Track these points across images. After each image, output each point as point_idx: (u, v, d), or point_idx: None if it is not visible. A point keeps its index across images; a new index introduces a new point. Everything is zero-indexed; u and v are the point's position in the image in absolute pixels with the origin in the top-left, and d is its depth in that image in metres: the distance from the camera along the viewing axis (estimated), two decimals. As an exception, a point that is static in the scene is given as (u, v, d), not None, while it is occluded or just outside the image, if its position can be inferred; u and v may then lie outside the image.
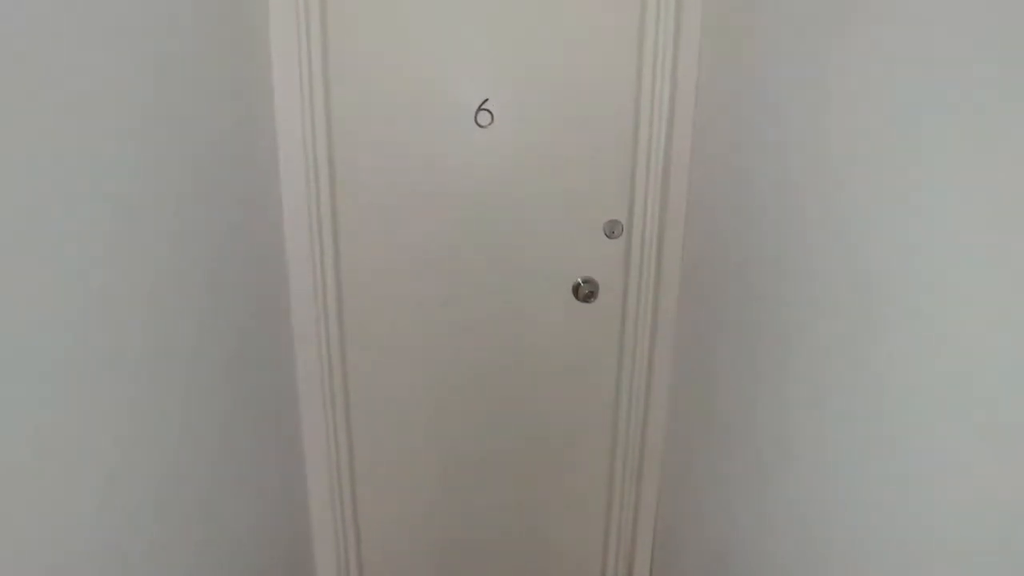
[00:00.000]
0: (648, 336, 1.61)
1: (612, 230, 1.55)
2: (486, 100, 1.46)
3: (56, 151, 0.63)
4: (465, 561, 1.78)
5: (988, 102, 0.61)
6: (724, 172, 1.30)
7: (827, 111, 0.92)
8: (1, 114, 0.55)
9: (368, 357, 1.58)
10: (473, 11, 1.42)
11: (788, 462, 1.02)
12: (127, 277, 0.77)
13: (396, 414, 1.63)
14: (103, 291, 0.72)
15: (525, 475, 1.72)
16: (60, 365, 0.64)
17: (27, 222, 0.59)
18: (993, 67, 0.60)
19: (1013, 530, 0.59)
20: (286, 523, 1.46)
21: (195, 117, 0.99)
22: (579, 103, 1.48)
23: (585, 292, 1.56)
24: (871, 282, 0.81)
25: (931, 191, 0.69)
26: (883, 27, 0.79)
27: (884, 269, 0.78)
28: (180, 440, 0.92)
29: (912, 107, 0.72)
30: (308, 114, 1.39)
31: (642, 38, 1.44)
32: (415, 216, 1.51)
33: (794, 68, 1.01)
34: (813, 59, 0.96)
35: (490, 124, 1.47)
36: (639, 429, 1.68)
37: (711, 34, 1.38)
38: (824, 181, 0.92)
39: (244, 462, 1.19)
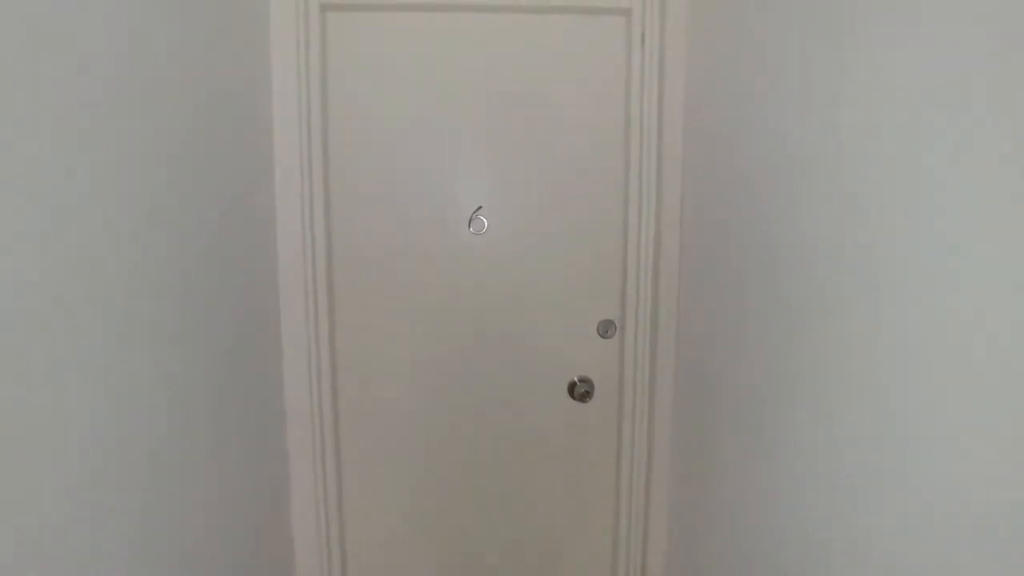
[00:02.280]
0: (646, 438, 1.59)
1: (606, 330, 1.57)
2: (480, 208, 1.52)
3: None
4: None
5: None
6: (712, 271, 1.33)
7: (802, 186, 0.95)
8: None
9: (365, 462, 1.57)
10: (467, 123, 1.50)
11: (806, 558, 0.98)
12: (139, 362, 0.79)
13: (393, 520, 1.60)
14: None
15: (524, 580, 1.66)
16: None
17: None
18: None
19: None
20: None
21: (201, 244, 1.04)
22: (570, 209, 1.54)
23: (581, 392, 1.56)
24: (877, 384, 0.81)
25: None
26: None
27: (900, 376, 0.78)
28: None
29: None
30: (309, 234, 1.46)
31: (628, 146, 1.51)
32: (412, 320, 1.54)
33: (773, 166, 1.06)
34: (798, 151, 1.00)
35: (484, 230, 1.53)
36: (640, 533, 1.63)
37: (691, 138, 1.45)
38: (813, 269, 0.94)
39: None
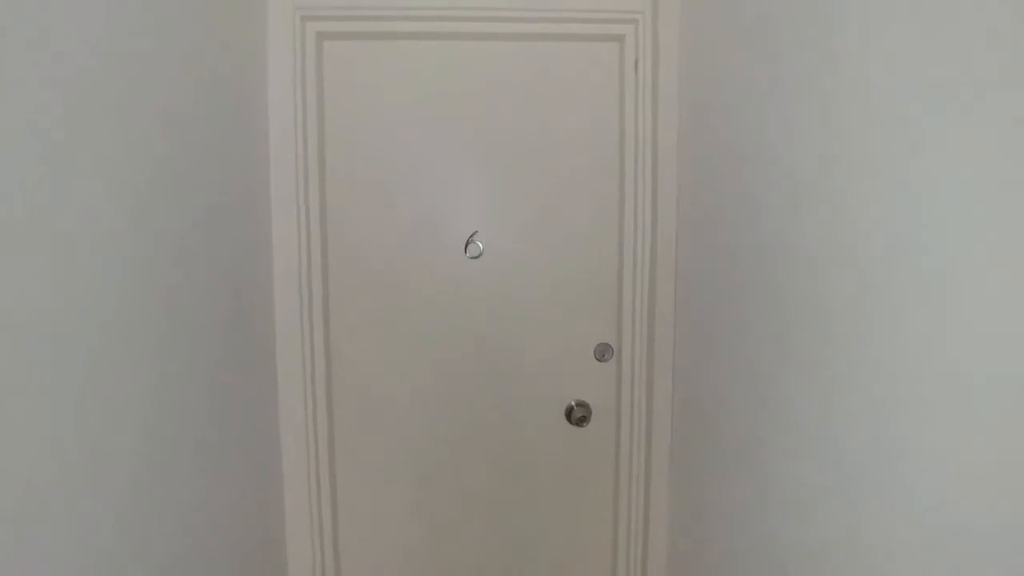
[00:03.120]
0: (643, 462, 1.58)
1: (603, 354, 1.56)
2: (475, 232, 1.53)
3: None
4: None
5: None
6: (708, 294, 1.32)
7: (798, 208, 0.95)
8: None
9: (362, 486, 1.55)
10: (462, 149, 1.51)
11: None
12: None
13: (390, 547, 1.58)
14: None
15: (523, 608, 1.63)
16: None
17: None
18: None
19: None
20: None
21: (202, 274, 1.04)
22: (566, 233, 1.54)
23: (578, 416, 1.55)
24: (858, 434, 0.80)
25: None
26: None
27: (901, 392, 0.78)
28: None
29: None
30: (305, 255, 1.46)
31: (622, 171, 1.52)
32: (408, 345, 1.53)
33: (769, 189, 1.06)
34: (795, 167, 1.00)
35: (480, 255, 1.53)
36: (639, 558, 1.61)
37: (685, 149, 1.45)
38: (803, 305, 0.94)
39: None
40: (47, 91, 0.69)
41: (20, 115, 0.65)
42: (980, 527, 0.61)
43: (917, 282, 0.69)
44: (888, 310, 0.74)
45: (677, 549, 1.53)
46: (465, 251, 1.53)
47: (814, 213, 0.90)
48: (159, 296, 0.94)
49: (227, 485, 1.17)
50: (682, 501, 1.49)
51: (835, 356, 0.85)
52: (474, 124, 1.51)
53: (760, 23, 1.07)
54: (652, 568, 1.60)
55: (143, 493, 0.88)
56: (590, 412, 1.56)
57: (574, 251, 1.55)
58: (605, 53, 1.51)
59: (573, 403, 1.57)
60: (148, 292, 0.90)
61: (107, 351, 0.80)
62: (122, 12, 0.84)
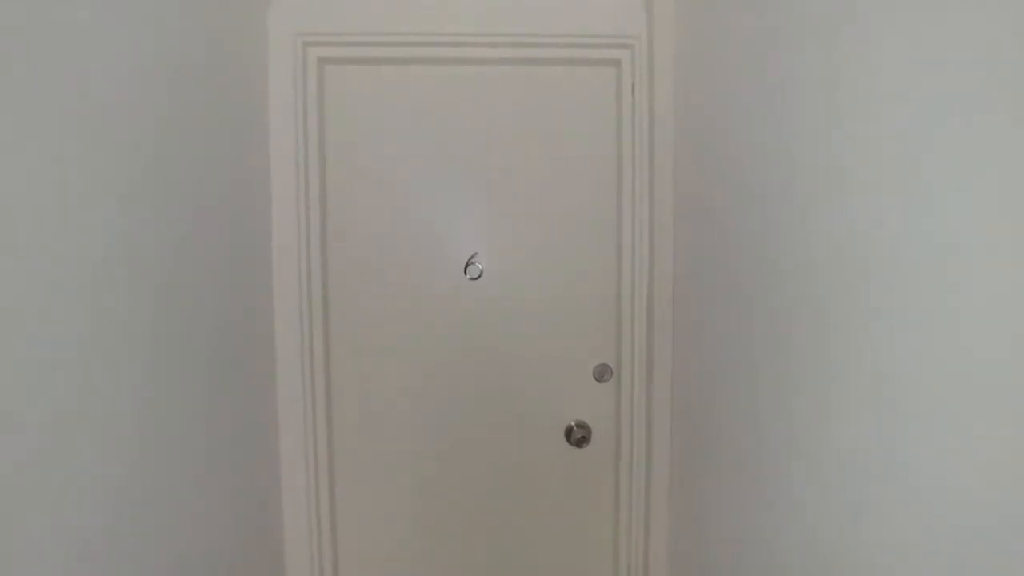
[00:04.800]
0: (644, 483, 1.57)
1: (602, 374, 1.56)
2: (475, 254, 1.54)
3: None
4: None
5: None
6: (707, 313, 1.33)
7: (799, 226, 0.96)
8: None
9: (360, 510, 1.54)
10: (462, 171, 1.53)
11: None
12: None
13: (387, 562, 1.56)
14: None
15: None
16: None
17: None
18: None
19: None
20: None
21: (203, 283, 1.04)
22: (565, 254, 1.55)
23: (578, 437, 1.54)
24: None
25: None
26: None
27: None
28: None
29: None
30: (305, 278, 1.47)
31: (620, 192, 1.53)
32: (408, 365, 1.54)
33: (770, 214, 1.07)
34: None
35: (480, 276, 1.54)
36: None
37: (683, 163, 1.47)
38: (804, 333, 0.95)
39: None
40: (54, 114, 0.71)
41: (21, 121, 0.66)
42: (986, 528, 0.60)
43: (919, 292, 0.69)
44: (890, 322, 0.74)
45: (679, 571, 1.51)
46: (465, 272, 1.54)
47: (813, 233, 0.91)
48: (157, 304, 0.94)
49: (223, 493, 1.16)
50: (684, 524, 1.48)
51: (837, 372, 0.85)
52: (474, 147, 1.52)
53: (755, 46, 1.09)
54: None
55: (140, 489, 0.88)
56: (590, 433, 1.56)
57: (573, 272, 1.56)
58: (602, 77, 1.53)
59: (573, 424, 1.57)
60: (146, 300, 0.90)
61: (103, 351, 0.80)
62: (127, 34, 0.86)
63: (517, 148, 1.53)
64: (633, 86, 1.51)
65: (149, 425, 0.91)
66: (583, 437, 1.55)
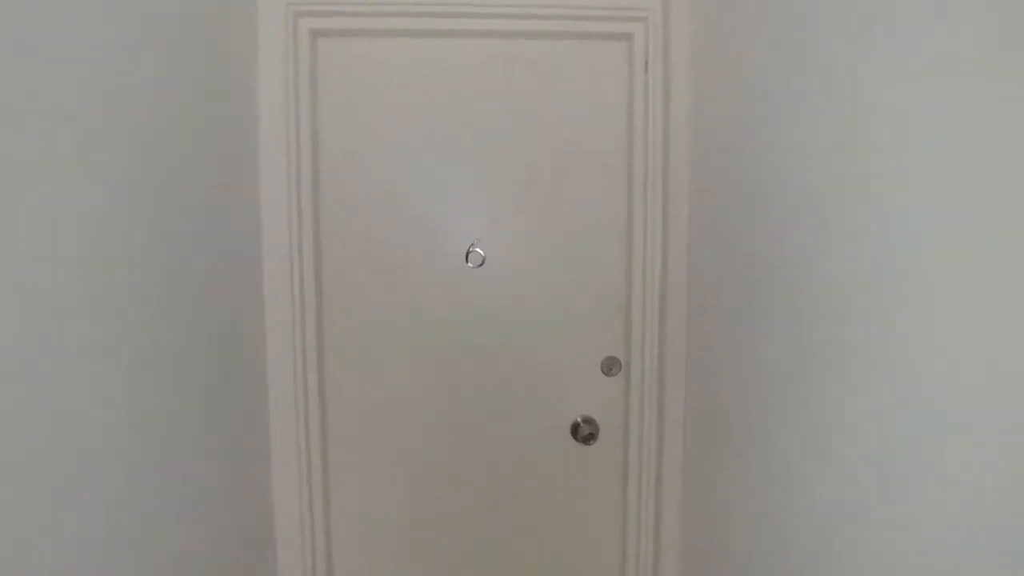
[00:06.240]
0: (654, 484, 1.50)
1: (610, 367, 1.48)
2: (477, 240, 1.45)
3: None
4: None
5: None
6: (723, 304, 1.25)
7: (819, 218, 0.88)
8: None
9: (357, 506, 1.47)
10: (464, 151, 1.44)
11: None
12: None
13: (384, 565, 1.49)
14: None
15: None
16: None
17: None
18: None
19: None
20: None
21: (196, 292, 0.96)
22: (571, 240, 1.47)
23: (585, 434, 1.47)
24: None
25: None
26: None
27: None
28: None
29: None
30: (297, 263, 1.38)
31: (631, 175, 1.45)
32: (408, 357, 1.45)
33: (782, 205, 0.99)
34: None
35: (482, 264, 1.45)
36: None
37: (698, 146, 1.39)
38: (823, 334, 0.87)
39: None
40: (36, 91, 0.65)
41: (10, 115, 0.62)
42: (999, 512, 0.59)
43: (937, 286, 0.66)
44: (907, 313, 0.70)
45: (691, 574, 1.45)
46: (467, 260, 1.45)
47: (832, 218, 0.84)
48: (146, 301, 0.88)
49: (216, 492, 1.10)
50: (695, 525, 1.41)
51: (853, 361, 0.80)
52: (476, 126, 1.43)
53: (777, 19, 1.00)
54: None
55: (131, 490, 0.84)
56: (597, 429, 1.48)
57: (580, 259, 1.47)
58: (613, 53, 1.44)
59: (579, 419, 1.49)
60: (134, 295, 0.85)
61: (93, 350, 0.76)
62: (108, 8, 0.78)
63: (522, 128, 1.44)
64: (647, 63, 1.41)
65: (140, 424, 0.86)
66: (591, 434, 1.47)
